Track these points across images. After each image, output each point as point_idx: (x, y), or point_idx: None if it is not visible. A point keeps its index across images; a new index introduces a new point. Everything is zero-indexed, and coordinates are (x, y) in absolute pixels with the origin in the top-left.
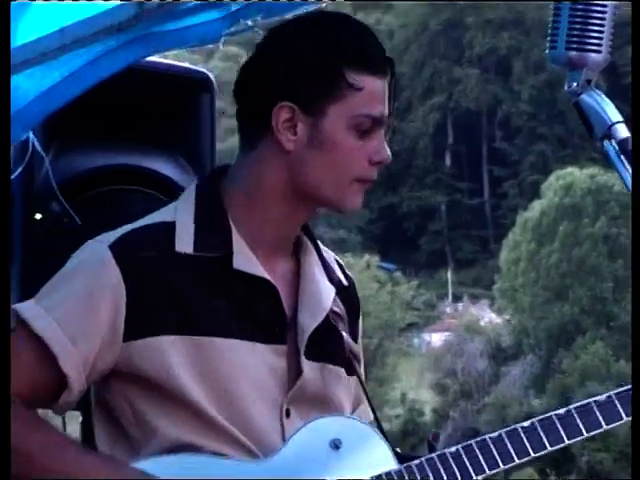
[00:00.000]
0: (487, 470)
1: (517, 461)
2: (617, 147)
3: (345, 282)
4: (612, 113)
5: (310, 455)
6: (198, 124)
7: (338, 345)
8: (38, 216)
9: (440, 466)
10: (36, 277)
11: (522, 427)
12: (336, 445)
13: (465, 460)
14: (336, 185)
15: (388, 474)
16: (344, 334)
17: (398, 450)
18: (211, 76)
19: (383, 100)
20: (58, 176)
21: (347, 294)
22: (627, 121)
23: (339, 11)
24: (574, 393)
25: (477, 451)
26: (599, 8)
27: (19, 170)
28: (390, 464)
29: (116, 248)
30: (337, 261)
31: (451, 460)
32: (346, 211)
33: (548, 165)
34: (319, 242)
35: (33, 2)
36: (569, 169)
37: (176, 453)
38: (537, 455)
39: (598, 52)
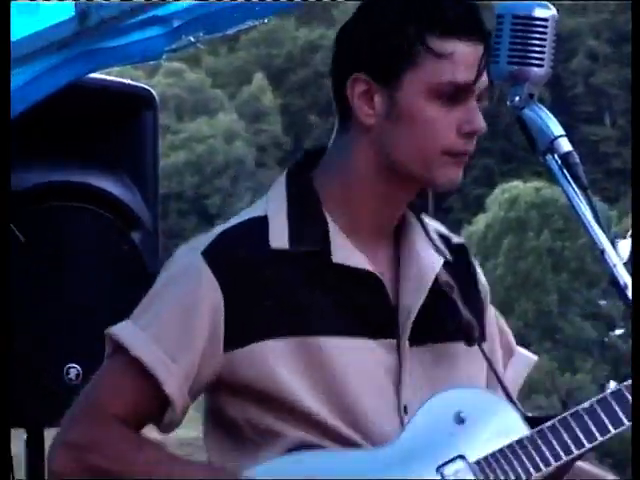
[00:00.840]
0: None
1: None
2: (559, 161)
3: (448, 255)
4: (554, 127)
5: (435, 435)
6: (141, 141)
7: (450, 317)
8: None
9: (574, 424)
10: None
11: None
12: (461, 418)
13: (601, 415)
14: (423, 160)
15: (520, 442)
16: (458, 303)
17: (528, 414)
18: (154, 92)
19: (470, 66)
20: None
21: (453, 265)
22: (569, 134)
23: None
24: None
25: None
26: (540, 22)
27: None
28: (520, 430)
29: (209, 253)
30: (437, 231)
31: (586, 416)
32: (441, 187)
33: (492, 179)
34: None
35: None
36: (514, 182)
37: (296, 452)
38: None
39: (540, 66)
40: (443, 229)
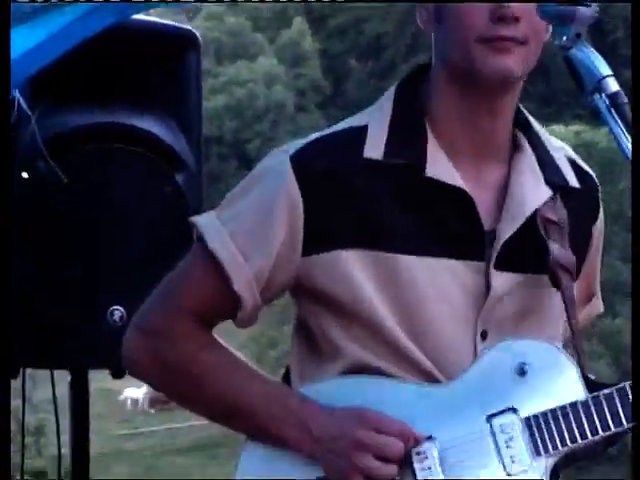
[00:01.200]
0: None
1: None
2: (608, 101)
3: (575, 184)
4: (602, 67)
5: (493, 382)
6: (185, 83)
7: (540, 253)
8: (25, 175)
9: (631, 395)
10: (25, 236)
11: None
12: (523, 370)
13: None
14: (463, 52)
15: (573, 405)
16: (551, 242)
17: (591, 376)
18: (197, 34)
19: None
20: (44, 135)
21: (577, 197)
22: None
23: None
24: None
25: None
26: None
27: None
28: (578, 393)
29: (297, 158)
30: (572, 161)
31: None
32: (490, 79)
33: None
34: (549, 139)
35: None
36: (554, 126)
37: (353, 375)
38: None
39: (587, 5)
40: (575, 155)
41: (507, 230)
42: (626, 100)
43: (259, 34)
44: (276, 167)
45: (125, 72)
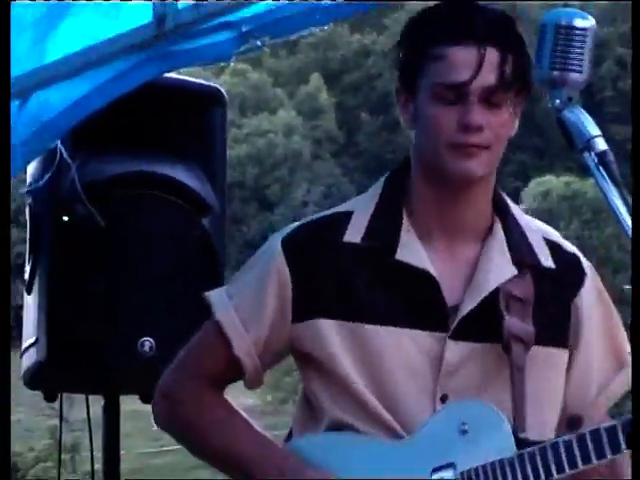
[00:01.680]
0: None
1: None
2: (596, 159)
3: (549, 264)
4: (592, 127)
5: (439, 440)
6: (211, 134)
7: (498, 325)
8: (65, 218)
9: (551, 454)
10: (64, 274)
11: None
12: (464, 429)
13: (575, 449)
14: (435, 154)
15: (501, 461)
16: (508, 315)
17: (524, 435)
18: (223, 90)
19: (464, 67)
20: (84, 181)
21: (551, 275)
22: (604, 135)
23: None
24: None
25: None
26: (580, 32)
27: (48, 175)
28: (509, 450)
29: (287, 240)
30: (552, 243)
31: (562, 448)
32: (458, 179)
33: (527, 173)
34: (529, 222)
35: (61, 24)
36: (547, 177)
37: (328, 432)
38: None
39: (579, 72)
40: (556, 237)
41: (468, 304)
42: (613, 158)
43: (279, 89)
44: (270, 249)
45: (157, 125)
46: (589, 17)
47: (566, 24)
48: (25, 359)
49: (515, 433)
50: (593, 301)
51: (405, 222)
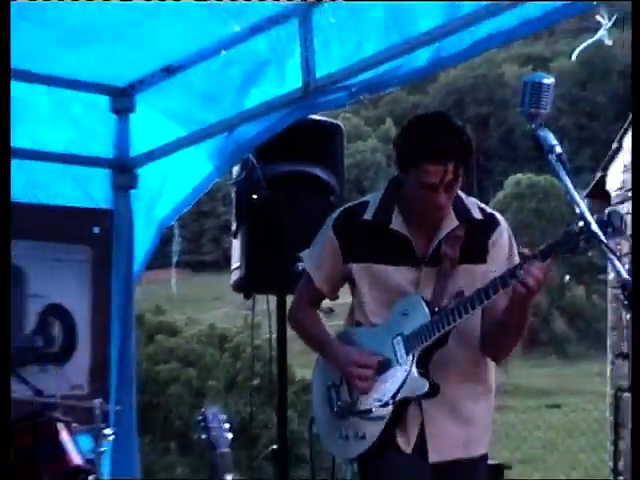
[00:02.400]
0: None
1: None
2: (555, 157)
3: (479, 217)
4: (553, 140)
5: (395, 321)
6: (336, 150)
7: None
8: (254, 196)
9: (451, 310)
10: (254, 229)
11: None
12: (405, 313)
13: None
14: (413, 206)
15: (423, 325)
16: (446, 246)
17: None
18: (342, 125)
19: (436, 175)
20: (264, 176)
21: (477, 224)
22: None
23: (433, 112)
24: None
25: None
26: (546, 86)
27: (244, 173)
28: (426, 316)
29: (334, 219)
30: (479, 206)
31: (462, 302)
32: (428, 221)
33: (507, 172)
34: (469, 200)
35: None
36: (518, 175)
37: (354, 327)
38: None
39: (545, 109)
40: (484, 206)
41: (428, 251)
42: (565, 157)
43: (368, 127)
44: (326, 225)
45: (306, 144)
46: (551, 77)
47: (538, 81)
48: (232, 275)
49: (433, 309)
50: (499, 237)
51: (396, 209)
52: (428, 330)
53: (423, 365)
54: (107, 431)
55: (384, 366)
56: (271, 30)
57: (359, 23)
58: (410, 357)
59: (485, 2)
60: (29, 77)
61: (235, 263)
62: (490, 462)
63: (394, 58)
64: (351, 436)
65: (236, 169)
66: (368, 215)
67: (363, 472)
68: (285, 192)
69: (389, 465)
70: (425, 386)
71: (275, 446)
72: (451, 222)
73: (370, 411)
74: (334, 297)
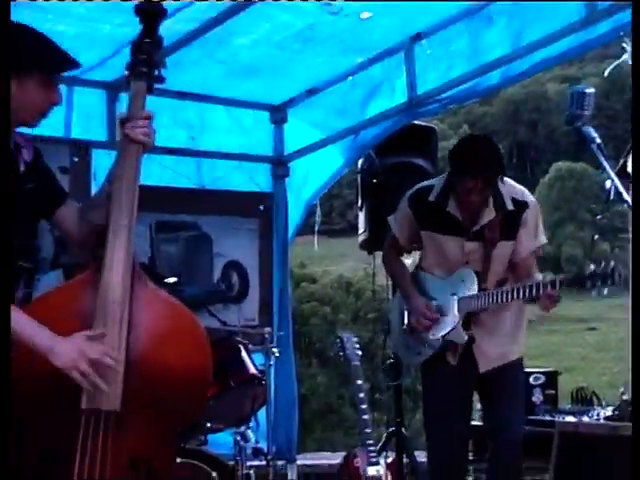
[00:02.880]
0: None
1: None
2: (596, 146)
3: (510, 207)
4: (594, 134)
5: (453, 283)
6: (432, 145)
7: (484, 235)
8: (374, 180)
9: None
10: (374, 202)
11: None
12: (462, 280)
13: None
14: (460, 201)
15: (470, 295)
16: (486, 230)
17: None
18: (435, 128)
19: (470, 186)
20: (381, 165)
21: (510, 214)
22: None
23: (475, 136)
24: None
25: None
26: (588, 94)
27: (367, 164)
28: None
29: (410, 195)
30: (512, 197)
31: (505, 290)
32: (472, 209)
33: (550, 162)
34: (508, 190)
35: (372, 102)
36: (560, 163)
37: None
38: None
39: (587, 111)
40: (518, 194)
41: (473, 229)
42: (603, 146)
43: (450, 130)
44: (404, 200)
45: (411, 143)
46: (592, 87)
47: (582, 91)
48: (359, 238)
49: (480, 284)
50: (526, 220)
51: (451, 196)
52: (474, 302)
53: (466, 322)
54: (274, 350)
55: (441, 314)
56: (384, 60)
57: (447, 53)
58: (458, 315)
59: (539, 38)
60: (212, 100)
61: (361, 229)
62: (545, 370)
63: (473, 78)
64: (412, 350)
65: (360, 162)
66: (432, 197)
67: (423, 376)
68: (396, 177)
69: (439, 374)
70: (464, 338)
71: (390, 360)
72: (490, 213)
73: (426, 338)
74: (410, 248)
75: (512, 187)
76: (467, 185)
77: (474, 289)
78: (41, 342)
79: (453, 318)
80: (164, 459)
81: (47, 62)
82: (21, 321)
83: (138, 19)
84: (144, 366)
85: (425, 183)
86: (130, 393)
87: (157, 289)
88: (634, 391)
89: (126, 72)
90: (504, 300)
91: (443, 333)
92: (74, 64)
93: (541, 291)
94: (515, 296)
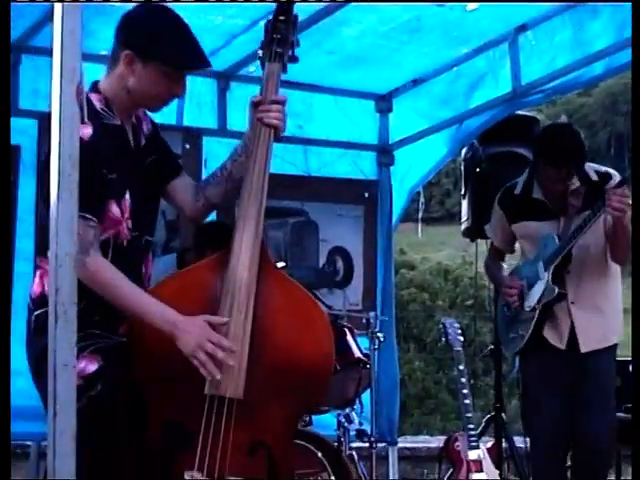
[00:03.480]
0: None
1: None
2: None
3: (594, 177)
4: None
5: (539, 251)
6: (535, 135)
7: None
8: (478, 169)
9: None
10: (479, 198)
11: None
12: (545, 245)
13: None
14: (546, 186)
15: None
16: (570, 197)
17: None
18: (537, 117)
19: (552, 175)
20: (480, 155)
21: (595, 184)
22: None
23: (560, 125)
24: None
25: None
26: None
27: (470, 154)
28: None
29: (499, 196)
30: (595, 170)
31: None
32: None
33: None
34: (589, 166)
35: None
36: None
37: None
38: None
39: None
40: (598, 167)
41: (561, 205)
42: None
43: (549, 120)
44: (495, 202)
45: (514, 132)
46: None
47: None
48: (462, 225)
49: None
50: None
51: (535, 183)
52: (556, 253)
53: (556, 277)
54: (379, 335)
55: (531, 284)
56: (489, 51)
57: (552, 44)
58: (546, 273)
59: None
60: (320, 89)
61: (464, 217)
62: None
63: (577, 69)
64: (514, 336)
65: (464, 151)
66: (517, 191)
67: (523, 365)
68: (499, 166)
69: (537, 356)
70: (555, 291)
71: (492, 346)
72: (574, 183)
73: (523, 316)
74: (511, 250)
75: (595, 165)
76: (550, 175)
77: (555, 245)
78: (165, 323)
79: (542, 280)
80: (284, 446)
81: (172, 56)
82: (146, 301)
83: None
84: (273, 353)
85: (511, 182)
86: (259, 380)
87: (285, 276)
88: (634, 390)
89: (259, 52)
90: (580, 232)
91: (537, 299)
92: (204, 63)
93: (608, 195)
94: (588, 221)
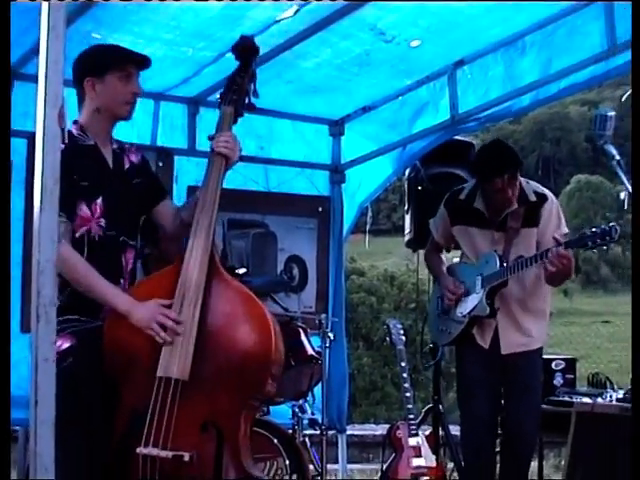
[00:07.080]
0: None
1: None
2: (616, 161)
3: (533, 198)
4: (615, 152)
5: (480, 265)
6: (470, 158)
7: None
8: (419, 188)
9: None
10: (418, 205)
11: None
12: (487, 261)
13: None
14: (489, 199)
15: (494, 273)
16: (509, 218)
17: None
18: (474, 143)
19: (499, 184)
20: (425, 175)
21: (533, 204)
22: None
23: (492, 141)
24: None
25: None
26: (609, 117)
27: (412, 174)
28: (498, 269)
29: (446, 197)
30: (534, 191)
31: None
32: (498, 204)
33: (572, 174)
34: (528, 185)
35: (418, 120)
36: (579, 175)
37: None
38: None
39: (609, 131)
40: (539, 188)
41: (498, 220)
42: (623, 162)
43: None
44: (442, 201)
45: (452, 155)
46: (612, 111)
47: (604, 114)
48: (405, 237)
49: (502, 262)
50: (549, 208)
51: (478, 194)
52: (495, 276)
53: (490, 297)
54: (330, 334)
55: (467, 292)
56: (430, 82)
57: (486, 78)
58: (482, 290)
59: (565, 67)
60: (280, 115)
61: (407, 229)
62: (565, 357)
63: (507, 100)
64: (443, 330)
65: (407, 171)
66: (462, 196)
67: (457, 359)
68: (438, 185)
69: (468, 354)
70: (487, 310)
71: (430, 345)
72: (513, 205)
73: (455, 317)
74: (448, 248)
75: (534, 184)
76: (497, 184)
77: (496, 267)
78: (122, 304)
79: (478, 294)
80: (233, 425)
81: (120, 60)
82: (104, 286)
83: (234, 55)
84: (216, 341)
85: (458, 187)
86: (204, 364)
87: (232, 279)
88: (634, 389)
89: (218, 96)
90: (521, 268)
91: (469, 309)
92: (142, 57)
93: (551, 254)
94: (529, 264)
